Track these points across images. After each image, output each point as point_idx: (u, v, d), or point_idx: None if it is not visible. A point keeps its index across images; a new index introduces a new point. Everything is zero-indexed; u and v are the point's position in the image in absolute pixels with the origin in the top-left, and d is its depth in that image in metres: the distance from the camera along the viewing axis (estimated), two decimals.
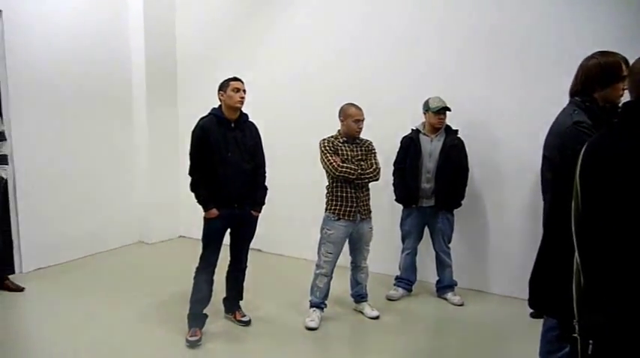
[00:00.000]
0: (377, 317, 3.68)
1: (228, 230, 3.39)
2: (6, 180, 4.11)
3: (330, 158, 3.42)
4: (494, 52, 4.01)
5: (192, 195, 3.26)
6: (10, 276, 4.28)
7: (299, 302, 3.82)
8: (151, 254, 5.35)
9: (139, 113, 5.51)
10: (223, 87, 3.22)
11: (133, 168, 5.56)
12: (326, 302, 3.64)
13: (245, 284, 3.61)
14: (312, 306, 3.60)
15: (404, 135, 3.99)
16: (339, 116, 3.54)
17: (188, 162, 3.25)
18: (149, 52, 5.41)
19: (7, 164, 4.06)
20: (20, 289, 4.15)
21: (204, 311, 3.36)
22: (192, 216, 4.23)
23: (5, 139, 4.07)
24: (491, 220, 4.18)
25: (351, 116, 3.47)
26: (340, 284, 3.84)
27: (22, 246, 4.56)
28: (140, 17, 5.34)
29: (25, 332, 3.56)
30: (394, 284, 4.16)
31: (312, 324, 3.50)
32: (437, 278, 4.11)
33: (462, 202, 3.95)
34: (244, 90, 3.23)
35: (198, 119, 3.28)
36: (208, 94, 3.83)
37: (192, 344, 3.20)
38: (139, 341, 3.31)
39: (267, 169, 3.47)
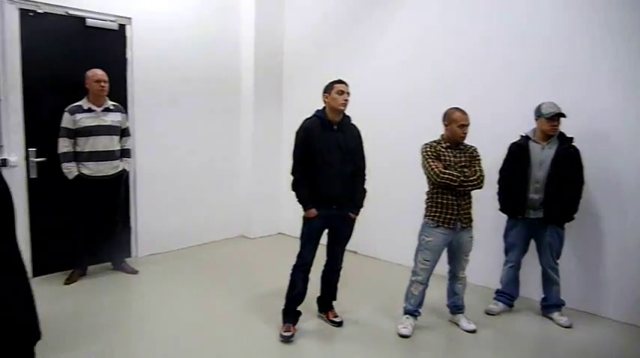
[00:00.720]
0: (473, 331, 3.53)
1: (326, 230, 3.44)
2: (128, 172, 4.52)
3: (431, 163, 3.34)
4: (619, 54, 3.67)
5: (293, 194, 3.35)
6: (127, 259, 4.70)
7: (392, 307, 3.78)
8: (252, 248, 5.58)
9: (246, 114, 5.78)
10: (328, 89, 3.27)
11: (238, 166, 5.85)
12: (420, 310, 3.56)
13: (339, 285, 3.64)
14: (405, 313, 3.54)
15: (512, 142, 3.78)
16: (443, 120, 3.44)
17: (290, 162, 3.34)
18: (258, 54, 5.66)
19: (130, 157, 4.47)
20: (135, 272, 4.53)
21: (299, 309, 3.44)
22: (291, 215, 4.34)
23: (129, 135, 4.48)
24: (609, 237, 3.81)
25: (455, 121, 3.36)
26: (436, 293, 3.73)
27: (139, 232, 4.99)
28: (251, 21, 5.61)
29: (136, 312, 3.88)
30: (494, 298, 3.96)
31: (405, 331, 3.43)
32: (542, 295, 3.85)
33: (575, 216, 3.66)
34: (348, 93, 3.26)
35: (302, 120, 3.37)
36: (311, 96, 3.91)
37: (286, 340, 3.29)
38: (235, 330, 3.47)
39: (367, 172, 3.48)
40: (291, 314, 3.41)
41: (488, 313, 3.87)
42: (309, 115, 3.37)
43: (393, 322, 3.57)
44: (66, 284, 4.18)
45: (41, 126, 4.21)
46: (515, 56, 4.19)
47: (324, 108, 3.32)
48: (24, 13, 4.11)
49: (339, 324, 3.57)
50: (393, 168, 4.91)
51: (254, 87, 5.69)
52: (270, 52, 5.79)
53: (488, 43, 4.35)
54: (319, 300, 3.69)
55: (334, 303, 3.67)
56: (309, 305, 3.58)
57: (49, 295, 3.89)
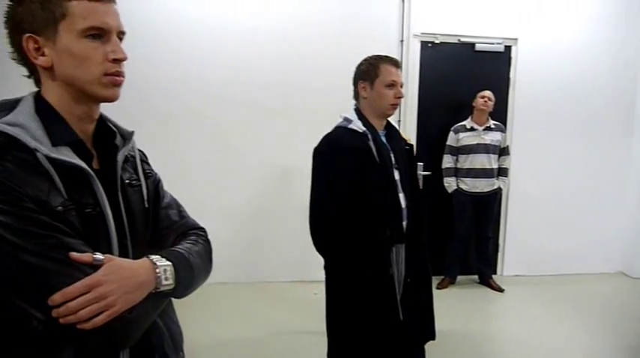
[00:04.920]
0: None
1: None
2: (502, 191, 4.59)
3: None
4: None
5: None
6: (493, 276, 4.77)
7: None
8: (634, 290, 4.80)
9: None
10: None
11: (624, 192, 5.12)
12: None
13: None
14: None
15: None
16: None
17: None
18: None
19: (506, 176, 4.54)
20: (500, 290, 4.56)
21: None
22: None
23: (508, 154, 4.55)
24: None
25: None
26: None
27: (506, 251, 5.00)
28: None
29: (502, 333, 3.86)
30: None
31: None
32: None
33: None
34: None
35: None
36: None
37: None
38: None
39: None
40: None
41: None
42: None
43: None
44: (438, 288, 4.55)
45: (430, 144, 4.72)
46: None
47: None
48: (424, 45, 4.70)
49: None
50: None
51: None
52: None
53: None
54: None
55: None
56: None
57: None
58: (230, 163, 4.55)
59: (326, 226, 1.87)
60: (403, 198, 1.98)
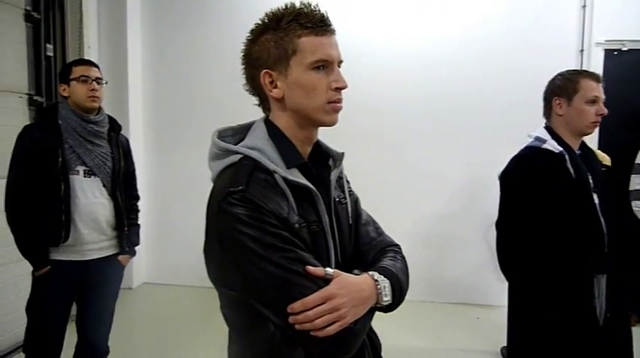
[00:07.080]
0: None
1: None
2: None
3: None
4: None
5: None
6: None
7: None
8: None
9: None
10: None
11: None
12: None
13: None
14: None
15: None
16: None
17: None
18: None
19: None
20: None
21: None
22: None
23: None
24: None
25: None
26: None
27: None
28: None
29: None
30: None
31: None
32: None
33: None
34: None
35: None
36: None
37: None
38: None
39: None
40: None
41: None
42: None
43: None
44: None
45: (614, 163, 4.23)
46: None
47: None
48: (608, 54, 4.27)
49: None
50: None
51: None
52: None
53: None
54: None
55: None
56: None
57: None
58: (413, 185, 4.53)
59: (519, 253, 1.76)
60: (604, 223, 1.79)
